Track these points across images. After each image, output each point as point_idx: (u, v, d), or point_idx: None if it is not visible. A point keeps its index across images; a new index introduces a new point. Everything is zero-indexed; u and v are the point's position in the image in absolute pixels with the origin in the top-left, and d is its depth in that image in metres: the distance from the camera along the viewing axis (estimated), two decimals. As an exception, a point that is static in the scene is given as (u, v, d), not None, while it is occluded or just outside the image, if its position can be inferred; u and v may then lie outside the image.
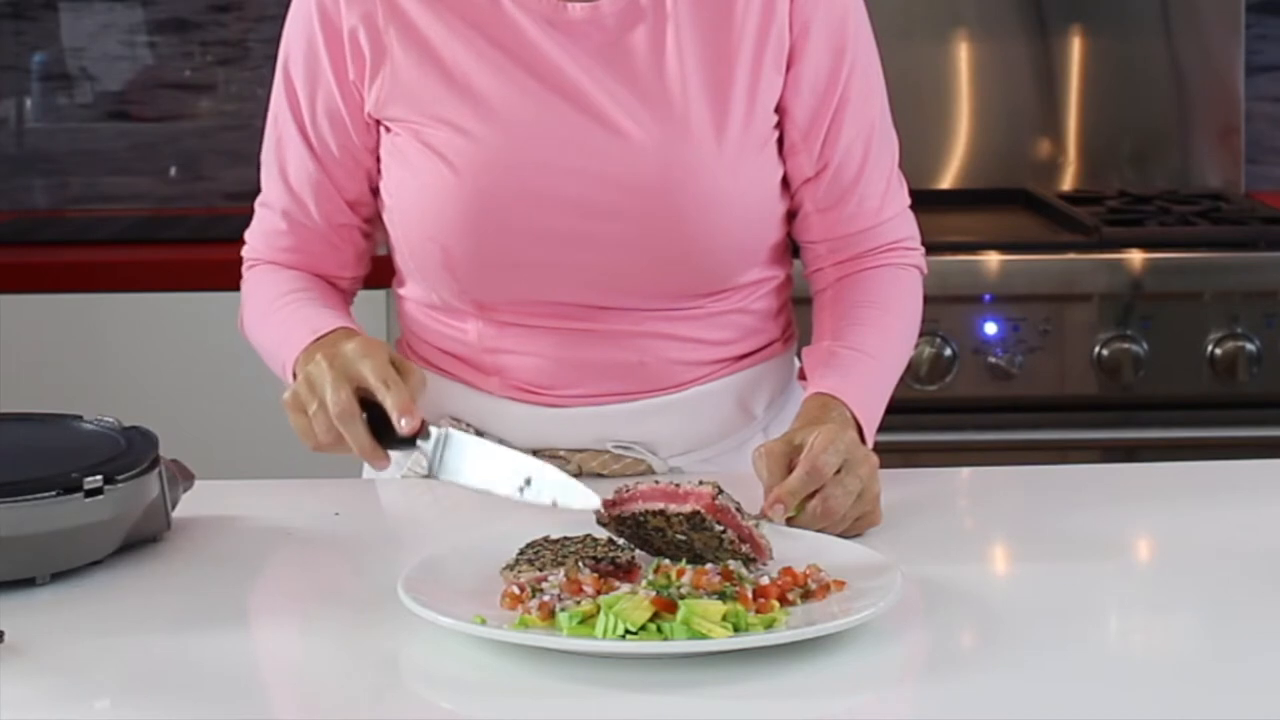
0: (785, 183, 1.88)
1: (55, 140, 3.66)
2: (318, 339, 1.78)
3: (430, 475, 1.66)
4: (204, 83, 3.66)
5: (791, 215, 1.90)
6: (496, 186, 1.79)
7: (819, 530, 1.61)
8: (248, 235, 1.96)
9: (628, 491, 1.53)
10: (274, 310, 1.87)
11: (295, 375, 1.77)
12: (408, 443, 1.66)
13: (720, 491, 1.51)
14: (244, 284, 1.95)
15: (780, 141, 1.86)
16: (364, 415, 1.66)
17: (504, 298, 1.84)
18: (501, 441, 1.72)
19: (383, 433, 1.67)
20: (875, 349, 1.85)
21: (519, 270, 1.82)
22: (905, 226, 1.93)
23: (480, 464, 1.64)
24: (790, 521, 1.61)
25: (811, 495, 1.63)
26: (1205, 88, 3.53)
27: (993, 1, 3.53)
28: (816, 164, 1.86)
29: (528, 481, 1.58)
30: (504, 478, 1.61)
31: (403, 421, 1.64)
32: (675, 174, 1.79)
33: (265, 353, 1.89)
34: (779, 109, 1.84)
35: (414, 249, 1.85)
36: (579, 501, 1.57)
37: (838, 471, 1.63)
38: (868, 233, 1.90)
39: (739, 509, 1.51)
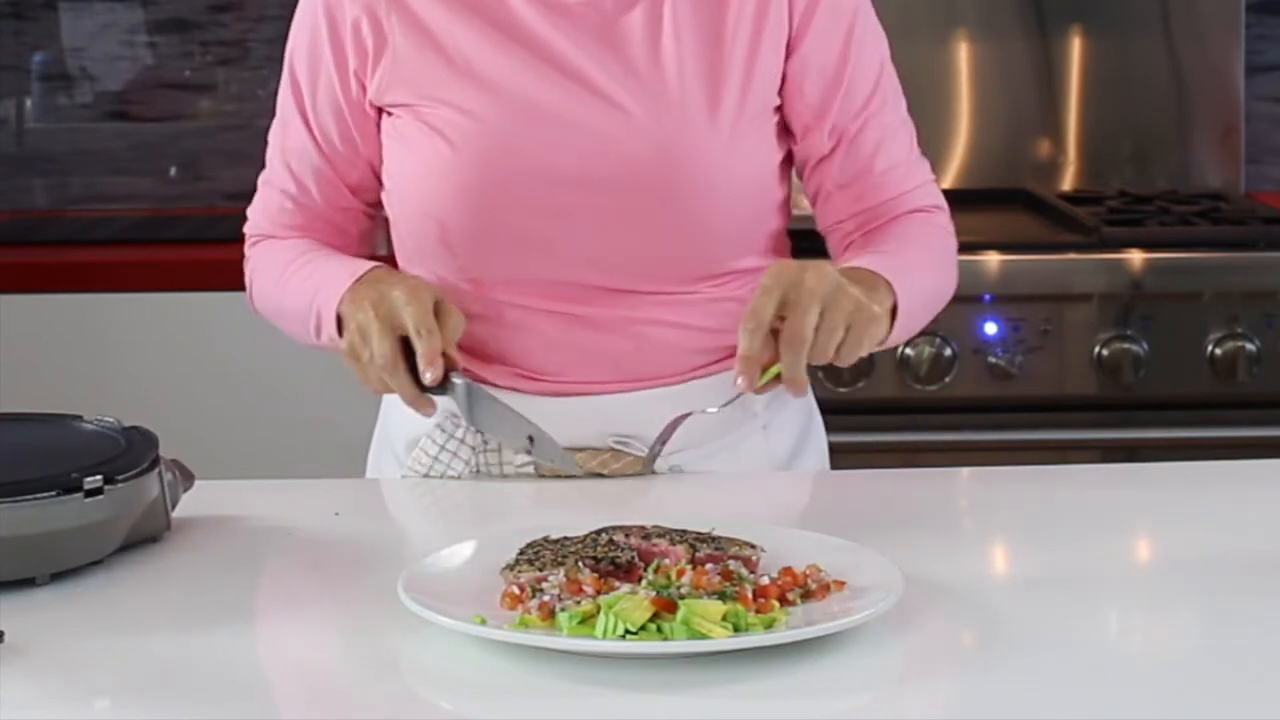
0: (785, 169, 1.90)
1: (55, 140, 3.66)
2: (358, 279, 1.80)
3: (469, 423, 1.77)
4: (204, 83, 3.66)
5: (815, 205, 1.92)
6: (492, 161, 1.81)
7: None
8: (250, 212, 1.98)
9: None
10: (295, 270, 1.89)
11: (340, 319, 1.79)
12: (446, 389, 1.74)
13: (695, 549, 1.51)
14: (250, 260, 1.97)
15: (788, 127, 1.88)
16: (408, 365, 1.73)
17: (501, 275, 1.85)
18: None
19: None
20: (895, 250, 1.85)
21: (515, 245, 1.83)
22: (930, 196, 1.93)
23: (496, 418, 1.74)
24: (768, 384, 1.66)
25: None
26: (1205, 88, 3.53)
27: (993, 1, 3.53)
28: (830, 140, 1.88)
29: (530, 440, 1.70)
30: (514, 434, 1.75)
31: (427, 374, 1.70)
32: (670, 150, 1.81)
33: (288, 313, 1.89)
34: (788, 93, 1.86)
35: (412, 227, 1.87)
36: (566, 468, 1.76)
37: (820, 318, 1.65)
38: (891, 202, 1.90)
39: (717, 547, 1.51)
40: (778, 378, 1.66)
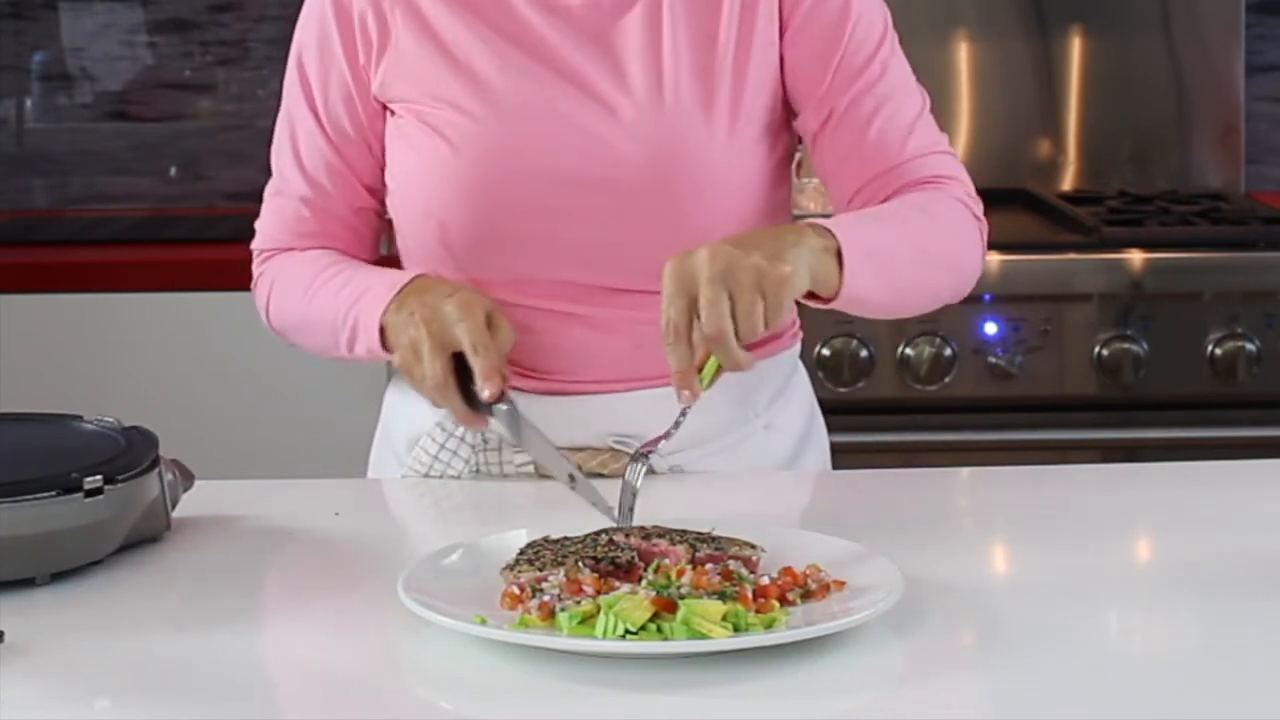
0: (784, 168, 1.89)
1: (55, 140, 3.66)
2: (400, 290, 1.78)
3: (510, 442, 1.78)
4: (204, 83, 3.66)
5: (828, 189, 1.90)
6: (493, 162, 1.82)
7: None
8: (260, 226, 1.97)
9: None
10: (323, 282, 1.87)
11: (384, 330, 1.78)
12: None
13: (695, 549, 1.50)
14: (265, 274, 1.95)
15: (788, 120, 1.88)
16: (458, 383, 1.71)
17: (502, 275, 1.85)
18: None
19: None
20: (874, 211, 1.82)
21: (516, 245, 1.83)
22: (943, 166, 1.88)
23: (539, 450, 1.70)
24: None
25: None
26: (1205, 88, 3.53)
27: (993, 1, 3.53)
28: (824, 111, 1.85)
29: (571, 478, 1.65)
30: (556, 469, 1.67)
31: (485, 391, 1.69)
32: (667, 150, 1.81)
33: (316, 326, 1.88)
34: (787, 71, 1.85)
35: (414, 227, 1.87)
36: (603, 513, 1.62)
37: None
38: (896, 170, 1.86)
39: (718, 547, 1.51)
40: (720, 369, 1.64)
